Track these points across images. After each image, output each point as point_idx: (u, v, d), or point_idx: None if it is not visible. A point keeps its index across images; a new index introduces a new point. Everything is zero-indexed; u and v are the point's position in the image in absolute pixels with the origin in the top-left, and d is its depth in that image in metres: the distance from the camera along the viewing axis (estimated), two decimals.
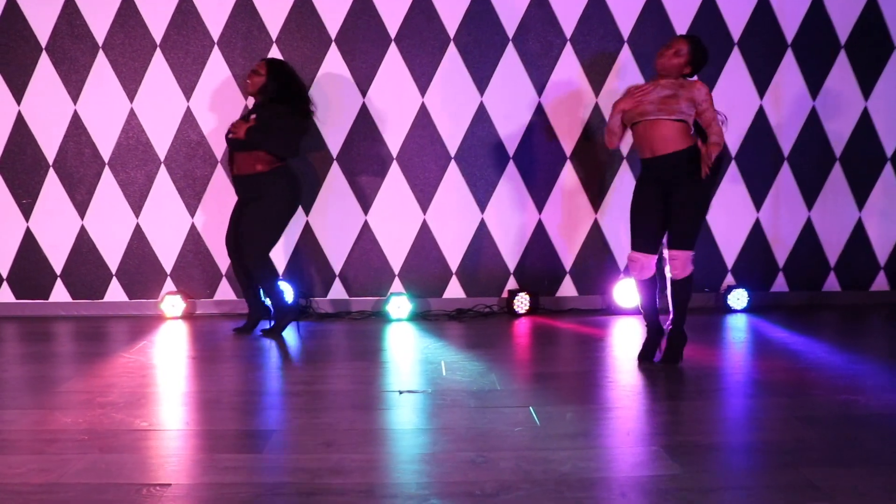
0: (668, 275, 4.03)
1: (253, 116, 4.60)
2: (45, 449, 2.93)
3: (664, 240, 4.05)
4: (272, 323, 4.88)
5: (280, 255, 5.42)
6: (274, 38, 5.27)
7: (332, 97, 5.33)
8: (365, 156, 5.39)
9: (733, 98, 5.47)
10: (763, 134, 5.55)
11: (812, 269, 5.74)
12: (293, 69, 4.80)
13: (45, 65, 5.27)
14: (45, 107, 5.31)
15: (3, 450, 2.93)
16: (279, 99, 4.65)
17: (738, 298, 5.53)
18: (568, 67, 5.41)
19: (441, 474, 2.68)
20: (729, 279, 5.66)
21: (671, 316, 4.11)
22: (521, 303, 5.40)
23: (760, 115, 5.52)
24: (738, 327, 5.10)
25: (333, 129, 5.36)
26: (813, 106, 5.54)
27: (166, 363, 4.24)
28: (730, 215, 5.61)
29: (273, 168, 4.63)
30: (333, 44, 5.29)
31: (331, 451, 2.90)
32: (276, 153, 4.60)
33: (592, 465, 2.75)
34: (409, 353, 4.47)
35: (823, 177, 5.63)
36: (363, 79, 5.34)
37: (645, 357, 4.14)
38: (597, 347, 4.55)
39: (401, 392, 3.64)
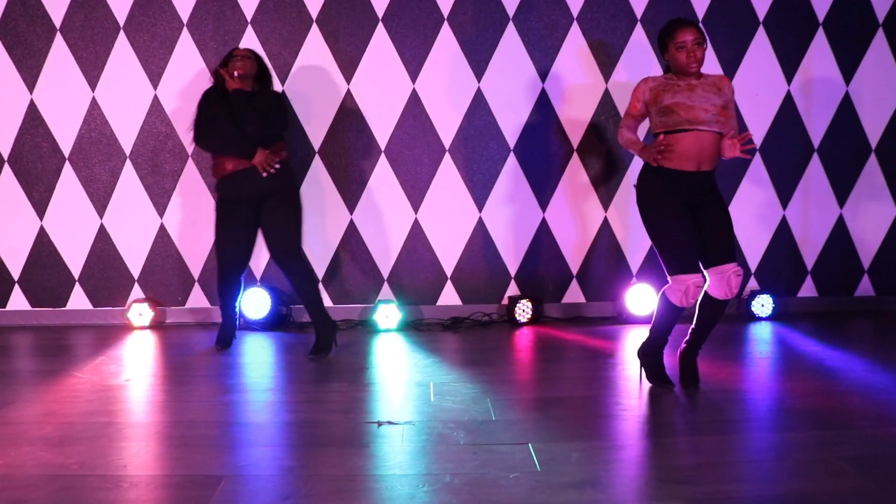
0: (716, 294, 3.41)
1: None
2: None
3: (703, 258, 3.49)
4: (315, 341, 4.23)
5: (257, 259, 4.93)
6: (249, 20, 4.77)
7: (314, 84, 4.83)
8: (350, 148, 4.89)
9: (758, 83, 4.96)
10: (790, 123, 5.02)
11: (844, 273, 5.21)
12: None
13: None
14: None
15: None
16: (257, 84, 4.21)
17: (763, 305, 5.02)
18: (575, 50, 4.89)
19: None
20: (752, 284, 5.14)
21: (693, 335, 3.57)
22: (523, 311, 4.89)
23: (788, 102, 5.00)
24: (762, 339, 4.59)
25: (315, 120, 4.85)
26: (846, 91, 5.01)
27: (121, 384, 3.75)
28: (753, 213, 5.08)
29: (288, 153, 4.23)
30: (315, 24, 4.78)
31: None
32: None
33: None
34: (394, 372, 3.97)
35: (857, 170, 5.11)
36: (347, 63, 4.83)
37: (666, 380, 3.61)
38: (606, 365, 4.04)
39: (379, 424, 3.14)
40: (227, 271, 4.22)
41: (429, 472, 2.67)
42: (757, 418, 3.23)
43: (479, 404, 3.38)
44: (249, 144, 4.00)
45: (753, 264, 5.13)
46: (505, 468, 2.69)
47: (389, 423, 3.16)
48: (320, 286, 4.91)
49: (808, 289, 5.21)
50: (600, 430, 3.10)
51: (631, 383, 3.70)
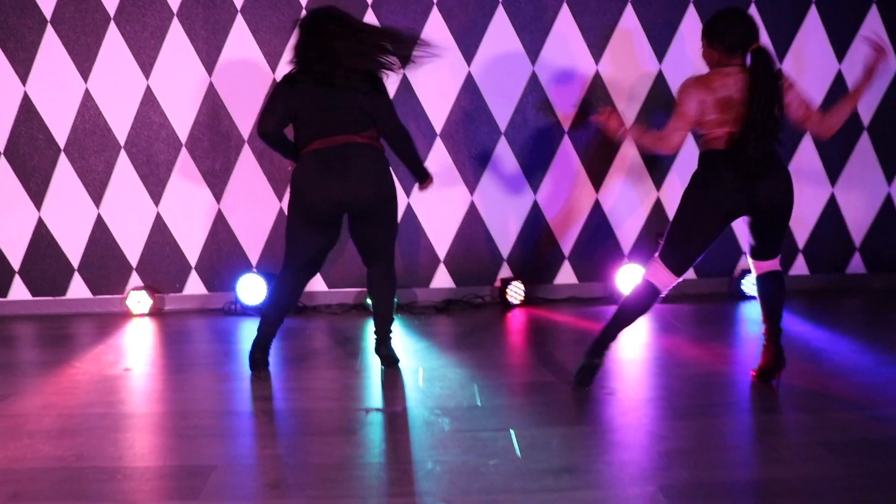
0: (761, 271, 3.58)
1: None
2: None
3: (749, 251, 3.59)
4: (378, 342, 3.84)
5: (254, 244, 5.00)
6: (239, 8, 4.78)
7: None
8: None
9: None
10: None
11: (835, 250, 5.24)
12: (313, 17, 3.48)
13: None
14: None
15: None
16: None
17: (754, 283, 5.03)
18: (564, 32, 4.89)
19: None
20: (743, 262, 5.17)
21: (770, 323, 3.43)
22: (516, 292, 4.95)
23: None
24: (752, 318, 4.64)
25: None
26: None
27: (119, 374, 3.84)
28: None
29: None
30: (304, 12, 4.79)
31: (274, 497, 2.51)
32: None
33: None
34: None
35: (849, 149, 5.11)
36: None
37: (585, 381, 3.41)
38: None
39: (367, 411, 3.22)
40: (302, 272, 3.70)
41: (413, 459, 2.75)
42: (739, 402, 3.30)
43: (466, 389, 3.45)
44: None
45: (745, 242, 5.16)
46: (485, 454, 2.76)
47: (377, 410, 3.24)
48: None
49: (799, 266, 5.24)
50: (585, 414, 3.18)
51: (619, 365, 3.76)
